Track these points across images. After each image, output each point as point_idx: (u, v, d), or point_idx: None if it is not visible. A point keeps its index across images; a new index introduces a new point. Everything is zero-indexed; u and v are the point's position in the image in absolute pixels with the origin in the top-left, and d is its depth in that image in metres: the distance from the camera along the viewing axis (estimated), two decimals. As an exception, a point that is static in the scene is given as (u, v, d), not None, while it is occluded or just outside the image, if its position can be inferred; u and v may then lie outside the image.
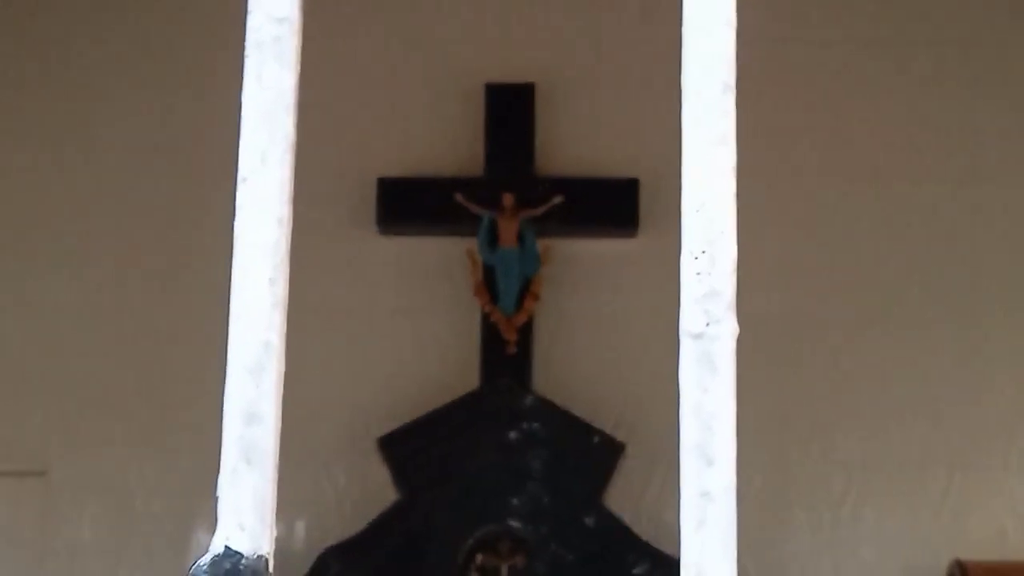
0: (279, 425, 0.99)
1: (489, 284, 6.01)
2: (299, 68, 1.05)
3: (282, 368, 1.00)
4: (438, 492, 5.88)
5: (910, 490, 5.99)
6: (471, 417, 5.92)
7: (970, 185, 6.15)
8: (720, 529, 0.97)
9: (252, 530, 0.96)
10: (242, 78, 1.06)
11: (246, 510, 0.97)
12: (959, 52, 6.22)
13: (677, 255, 1.02)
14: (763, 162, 5.98)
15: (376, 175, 6.05)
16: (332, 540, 5.81)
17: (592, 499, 5.88)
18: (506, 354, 5.97)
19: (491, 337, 5.99)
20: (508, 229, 5.98)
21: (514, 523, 5.83)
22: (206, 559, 0.97)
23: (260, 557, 0.96)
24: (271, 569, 0.97)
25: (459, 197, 6.02)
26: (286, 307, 1.01)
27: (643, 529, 5.79)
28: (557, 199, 6.02)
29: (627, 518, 5.81)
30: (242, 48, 1.06)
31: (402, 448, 5.93)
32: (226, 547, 0.96)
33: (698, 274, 0.98)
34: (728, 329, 0.98)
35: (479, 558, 5.86)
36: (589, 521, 5.84)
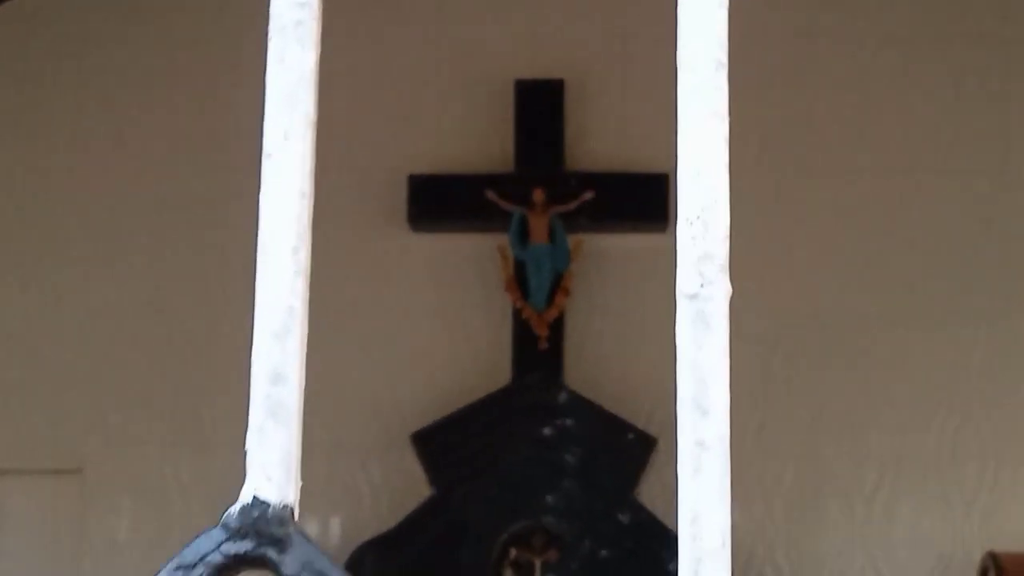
0: (303, 384, 1.05)
1: (520, 280, 6.02)
2: (319, 49, 1.10)
3: (305, 331, 1.05)
4: (472, 487, 5.90)
5: (943, 483, 5.99)
6: (504, 413, 5.94)
7: (1003, 180, 6.14)
8: (715, 476, 1.02)
9: (278, 481, 1.02)
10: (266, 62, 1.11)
11: (273, 463, 1.03)
12: (999, 46, 6.19)
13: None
14: (798, 159, 6.00)
15: (407, 172, 6.06)
16: (367, 535, 5.84)
17: (625, 494, 5.89)
18: (538, 350, 5.99)
19: (523, 333, 6.01)
20: (539, 225, 5.99)
21: (548, 518, 5.85)
22: (235, 507, 1.03)
23: (286, 506, 1.02)
24: (296, 518, 1.03)
25: (490, 194, 6.04)
26: (308, 274, 1.06)
27: (676, 524, 5.79)
28: (587, 195, 6.03)
29: (660, 513, 5.79)
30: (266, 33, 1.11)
31: (436, 444, 5.96)
32: (254, 496, 1.02)
33: (693, 238, 1.03)
34: (721, 290, 1.03)
35: (513, 553, 5.88)
36: (622, 516, 5.84)
